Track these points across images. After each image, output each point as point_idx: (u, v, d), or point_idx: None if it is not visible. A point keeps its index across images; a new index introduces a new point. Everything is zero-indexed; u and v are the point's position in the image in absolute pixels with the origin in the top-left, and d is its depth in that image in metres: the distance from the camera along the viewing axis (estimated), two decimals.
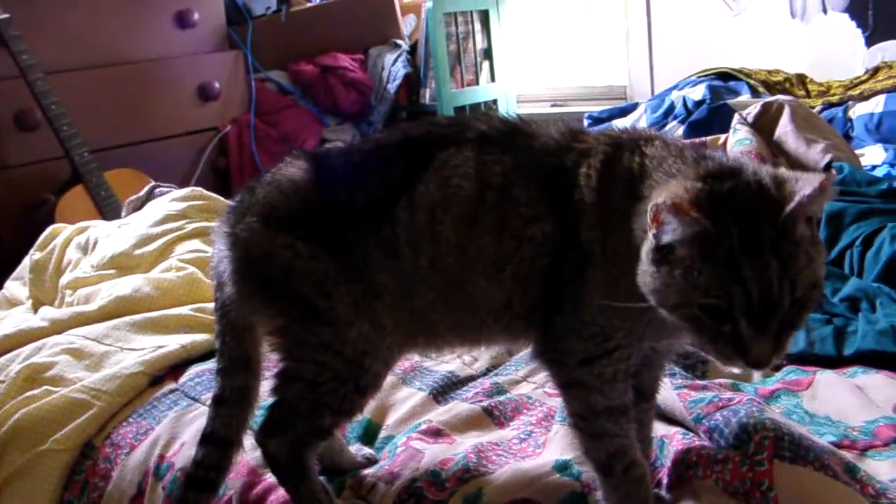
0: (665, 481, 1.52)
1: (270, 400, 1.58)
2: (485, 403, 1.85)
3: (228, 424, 1.63)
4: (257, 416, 1.65)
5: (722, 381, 1.87)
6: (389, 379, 1.94)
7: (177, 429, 1.93)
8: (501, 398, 1.88)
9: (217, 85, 5.18)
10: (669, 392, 1.69)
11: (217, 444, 1.63)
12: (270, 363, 1.61)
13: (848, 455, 1.50)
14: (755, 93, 4.19)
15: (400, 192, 1.45)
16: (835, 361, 1.95)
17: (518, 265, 1.41)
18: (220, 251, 1.58)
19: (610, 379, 1.41)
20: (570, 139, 1.44)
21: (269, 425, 1.57)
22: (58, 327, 2.44)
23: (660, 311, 1.24)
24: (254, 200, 1.54)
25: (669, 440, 1.59)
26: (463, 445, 1.69)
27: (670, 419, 1.68)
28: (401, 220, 1.44)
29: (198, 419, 1.86)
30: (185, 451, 1.82)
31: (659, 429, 1.64)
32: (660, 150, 1.36)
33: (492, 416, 1.81)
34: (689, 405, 1.63)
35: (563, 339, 1.41)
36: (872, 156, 3.66)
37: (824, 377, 1.86)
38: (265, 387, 1.62)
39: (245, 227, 1.51)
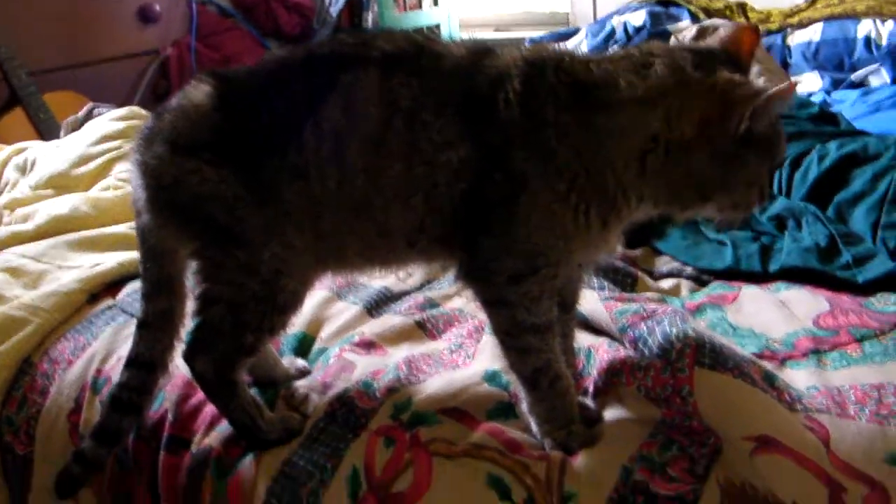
0: (591, 389, 1.56)
1: (195, 321, 1.59)
2: (417, 316, 1.87)
3: (152, 348, 1.64)
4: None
5: (649, 294, 1.92)
6: (324, 293, 1.98)
7: (114, 344, 1.94)
8: (434, 311, 1.90)
9: (157, 7, 5.08)
10: (596, 303, 1.72)
11: (141, 368, 1.65)
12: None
13: (768, 364, 1.55)
14: (695, 19, 4.18)
15: (305, 113, 1.43)
16: (760, 277, 1.99)
17: (431, 190, 1.40)
18: (134, 179, 1.57)
19: (536, 297, 1.43)
20: (479, 58, 1.42)
21: (194, 345, 1.59)
22: None
23: (717, 196, 1.37)
24: (161, 126, 1.52)
25: (596, 350, 1.63)
26: (395, 357, 1.72)
27: (597, 330, 1.72)
28: (307, 144, 1.43)
29: None
30: (121, 365, 1.81)
31: (586, 339, 1.68)
32: (580, 60, 1.38)
33: (424, 329, 1.84)
34: (615, 315, 1.66)
35: (494, 258, 1.42)
36: (809, 83, 3.72)
37: (749, 292, 1.91)
38: (190, 308, 1.63)
39: (153, 154, 1.50)
